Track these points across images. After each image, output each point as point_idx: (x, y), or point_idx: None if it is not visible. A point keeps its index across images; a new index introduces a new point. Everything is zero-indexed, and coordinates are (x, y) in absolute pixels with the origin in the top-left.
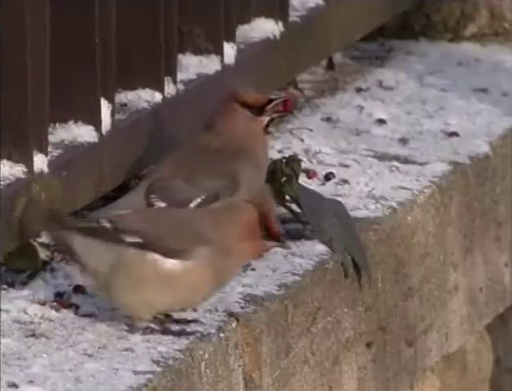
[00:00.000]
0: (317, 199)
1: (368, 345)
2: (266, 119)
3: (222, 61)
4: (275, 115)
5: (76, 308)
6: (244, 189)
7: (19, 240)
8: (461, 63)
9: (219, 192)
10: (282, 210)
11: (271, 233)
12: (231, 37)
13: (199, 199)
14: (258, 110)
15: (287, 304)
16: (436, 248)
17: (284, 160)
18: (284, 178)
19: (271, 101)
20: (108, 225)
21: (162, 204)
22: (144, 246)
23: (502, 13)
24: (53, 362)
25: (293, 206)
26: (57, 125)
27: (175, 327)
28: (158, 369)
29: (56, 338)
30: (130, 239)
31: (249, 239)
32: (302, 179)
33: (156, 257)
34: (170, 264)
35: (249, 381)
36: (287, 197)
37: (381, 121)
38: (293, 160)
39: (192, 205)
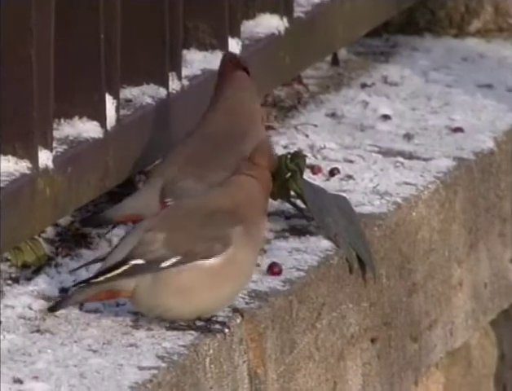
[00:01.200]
0: (322, 195)
1: (373, 341)
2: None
3: None
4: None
5: (80, 304)
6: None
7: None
8: (466, 59)
9: None
10: (287, 206)
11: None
12: (235, 33)
13: None
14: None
15: (292, 299)
16: (441, 243)
17: (288, 156)
18: (289, 174)
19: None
20: (140, 261)
21: None
22: (182, 261)
23: (507, 8)
24: (58, 358)
25: (298, 202)
26: (62, 120)
27: (200, 323)
28: (163, 365)
29: (61, 334)
30: (166, 264)
31: (265, 202)
32: (307, 175)
33: (196, 264)
34: (212, 263)
35: (253, 377)
36: (292, 193)
37: (385, 117)
38: (297, 156)
39: None
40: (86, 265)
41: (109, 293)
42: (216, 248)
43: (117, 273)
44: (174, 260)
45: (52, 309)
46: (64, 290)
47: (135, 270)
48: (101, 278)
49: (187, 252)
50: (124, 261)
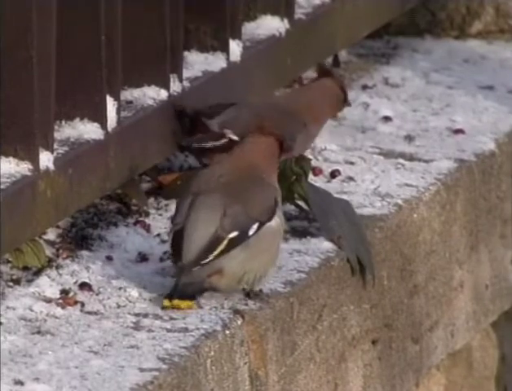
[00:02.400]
0: (326, 198)
1: (374, 343)
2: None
3: (227, 58)
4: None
5: (81, 305)
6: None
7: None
8: (467, 61)
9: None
10: (287, 207)
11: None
12: (236, 35)
13: None
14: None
15: (293, 301)
16: (442, 245)
17: (293, 159)
18: (294, 177)
19: None
20: (235, 234)
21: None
22: (259, 226)
23: (508, 10)
24: (59, 360)
25: (303, 204)
26: (63, 122)
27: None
28: (164, 366)
29: (62, 335)
30: (251, 232)
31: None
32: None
33: (267, 227)
34: (273, 225)
35: (254, 378)
36: (296, 195)
37: (386, 119)
38: (302, 159)
39: None
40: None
41: (212, 273)
42: (270, 213)
43: (221, 250)
44: (255, 226)
45: (169, 297)
46: (65, 291)
47: (231, 244)
48: (210, 258)
49: (258, 219)
50: (219, 237)
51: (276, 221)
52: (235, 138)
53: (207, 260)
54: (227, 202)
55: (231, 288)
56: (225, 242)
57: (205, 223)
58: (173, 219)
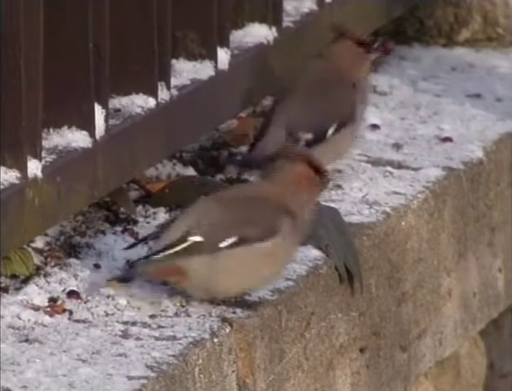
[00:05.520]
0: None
1: (362, 351)
2: (373, 56)
3: (215, 66)
4: (378, 54)
5: (70, 313)
6: (359, 119)
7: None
8: (455, 69)
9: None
10: None
11: (319, 171)
12: (224, 43)
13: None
14: (366, 47)
15: (281, 309)
16: (430, 253)
17: None
18: None
19: (374, 41)
20: (200, 239)
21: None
22: (236, 242)
23: (496, 18)
24: (47, 368)
25: None
26: (51, 130)
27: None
28: (152, 374)
29: (50, 343)
30: (223, 245)
31: (308, 188)
32: None
33: (248, 247)
34: (263, 246)
35: (242, 386)
36: None
37: (374, 126)
38: None
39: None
40: (142, 241)
41: (170, 270)
42: (266, 234)
43: (177, 250)
44: (230, 241)
45: (122, 280)
46: (53, 300)
47: (195, 248)
48: (161, 256)
49: (241, 235)
50: (183, 239)
51: (273, 244)
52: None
53: (162, 254)
54: (206, 208)
55: (198, 295)
56: (187, 244)
57: (182, 224)
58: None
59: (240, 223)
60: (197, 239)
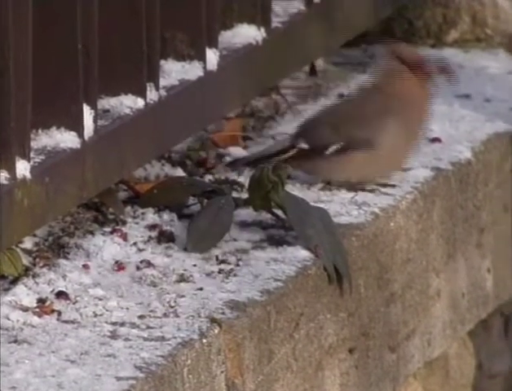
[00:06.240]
0: (304, 207)
1: (351, 351)
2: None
3: (204, 67)
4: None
5: (58, 314)
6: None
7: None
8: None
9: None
10: (264, 216)
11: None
12: (213, 43)
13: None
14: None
15: (269, 310)
16: (419, 253)
17: (270, 167)
18: (271, 185)
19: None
20: (305, 146)
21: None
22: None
23: (484, 19)
24: (35, 368)
25: (279, 213)
26: (39, 131)
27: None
28: (141, 375)
29: (39, 344)
30: (329, 151)
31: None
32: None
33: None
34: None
35: (231, 387)
36: (273, 204)
37: None
38: (279, 167)
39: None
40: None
41: None
42: (372, 137)
43: (284, 157)
44: (335, 147)
45: (230, 165)
46: (41, 300)
47: (301, 155)
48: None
49: (347, 140)
50: (291, 146)
51: (381, 147)
52: (305, 146)
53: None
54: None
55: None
56: (293, 152)
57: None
58: None
59: (348, 128)
60: (303, 146)
